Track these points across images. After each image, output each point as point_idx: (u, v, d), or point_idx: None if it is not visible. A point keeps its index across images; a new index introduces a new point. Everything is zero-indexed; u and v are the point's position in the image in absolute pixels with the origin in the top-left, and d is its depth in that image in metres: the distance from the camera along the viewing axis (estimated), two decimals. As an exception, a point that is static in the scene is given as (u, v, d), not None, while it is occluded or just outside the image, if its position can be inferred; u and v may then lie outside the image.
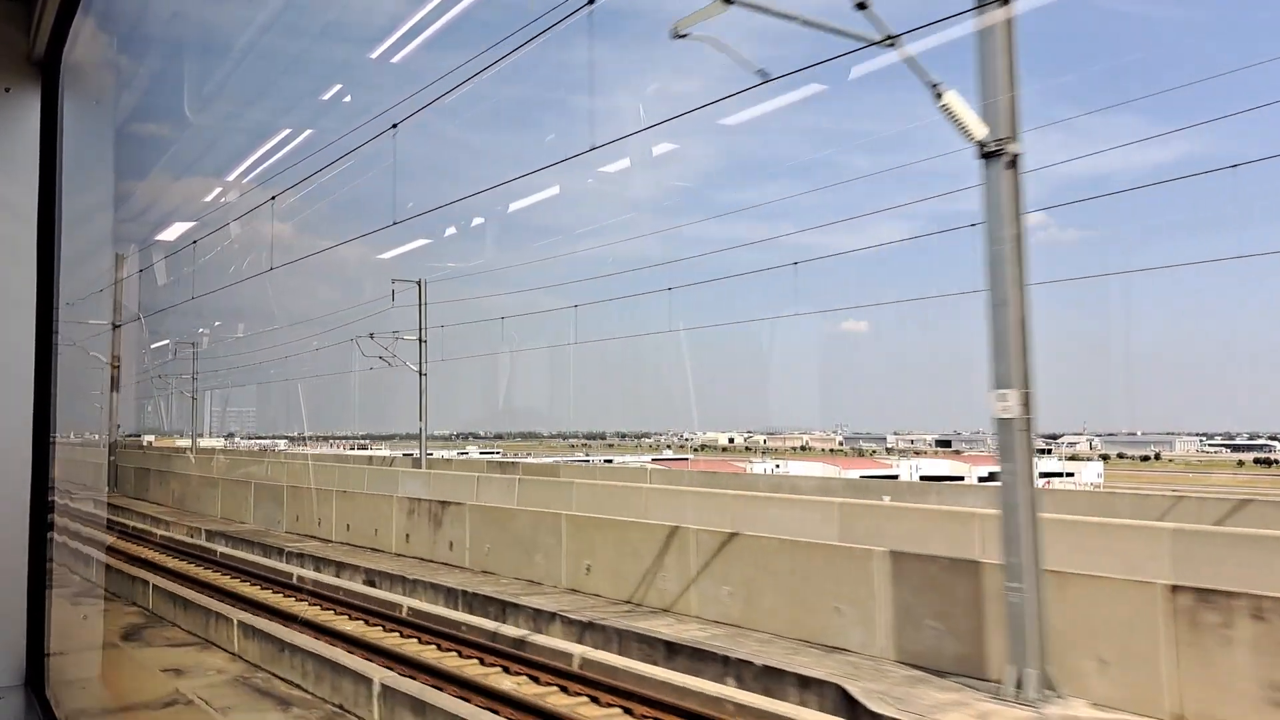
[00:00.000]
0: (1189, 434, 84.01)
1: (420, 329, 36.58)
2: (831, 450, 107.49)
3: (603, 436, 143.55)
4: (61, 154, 3.06)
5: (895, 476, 50.85)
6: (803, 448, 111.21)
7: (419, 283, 36.42)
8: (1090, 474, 50.26)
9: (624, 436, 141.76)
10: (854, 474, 50.53)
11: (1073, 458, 69.59)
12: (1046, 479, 46.75)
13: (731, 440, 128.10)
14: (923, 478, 49.06)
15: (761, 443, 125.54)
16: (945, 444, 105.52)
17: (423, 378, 36.14)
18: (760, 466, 50.26)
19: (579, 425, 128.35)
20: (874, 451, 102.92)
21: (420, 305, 36.64)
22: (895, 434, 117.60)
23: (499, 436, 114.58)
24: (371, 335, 36.24)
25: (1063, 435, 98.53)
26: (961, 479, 49.07)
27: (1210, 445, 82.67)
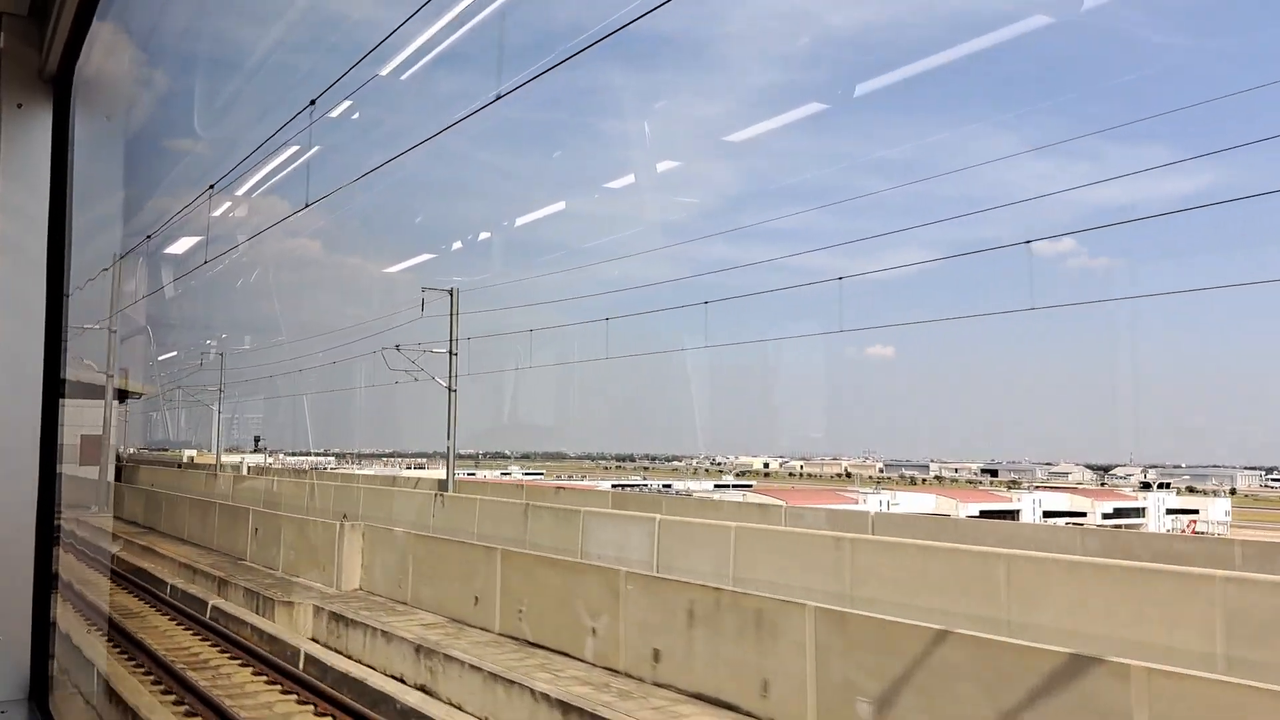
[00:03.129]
0: (1250, 468, 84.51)
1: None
2: (875, 478, 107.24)
3: (632, 459, 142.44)
4: (72, 168, 3.10)
5: (1017, 513, 50.50)
6: (845, 474, 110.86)
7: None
8: (1217, 512, 49.92)
9: (653, 459, 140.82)
10: (973, 508, 50.08)
11: (1191, 491, 69.42)
12: (1190, 521, 46.33)
13: (767, 465, 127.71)
14: (1045, 514, 48.64)
15: (799, 468, 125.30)
16: (992, 473, 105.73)
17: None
18: (875, 499, 49.72)
19: (604, 446, 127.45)
20: (924, 480, 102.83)
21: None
22: (935, 461, 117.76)
23: (525, 456, 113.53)
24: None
25: (1114, 467, 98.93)
26: (1084, 515, 48.80)
27: (1272, 480, 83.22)
